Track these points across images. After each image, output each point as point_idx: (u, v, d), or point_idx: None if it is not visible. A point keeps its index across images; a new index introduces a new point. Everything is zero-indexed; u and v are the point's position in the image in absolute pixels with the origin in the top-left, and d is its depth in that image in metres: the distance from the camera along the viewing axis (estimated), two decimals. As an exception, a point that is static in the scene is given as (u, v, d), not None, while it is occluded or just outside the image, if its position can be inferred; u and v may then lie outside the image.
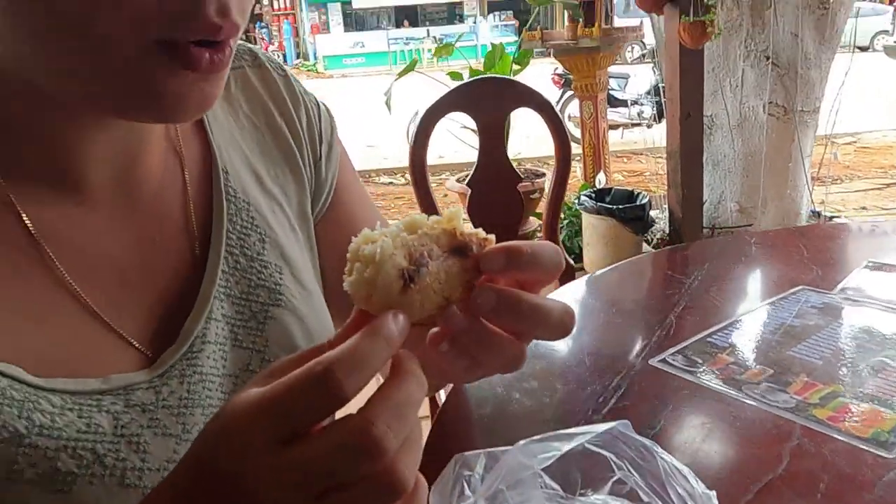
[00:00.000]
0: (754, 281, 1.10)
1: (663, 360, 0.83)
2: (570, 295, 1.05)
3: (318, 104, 0.63)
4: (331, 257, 0.63)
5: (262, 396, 0.32)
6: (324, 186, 0.62)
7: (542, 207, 3.86)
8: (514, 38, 18.96)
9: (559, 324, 0.38)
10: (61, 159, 0.44)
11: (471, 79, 1.71)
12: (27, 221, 0.43)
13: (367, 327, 0.33)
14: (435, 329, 0.38)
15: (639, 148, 6.11)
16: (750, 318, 0.93)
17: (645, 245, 3.33)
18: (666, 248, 3.18)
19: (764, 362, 0.82)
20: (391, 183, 5.98)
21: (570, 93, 6.26)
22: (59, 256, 0.44)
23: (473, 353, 0.38)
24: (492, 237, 0.38)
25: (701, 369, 0.80)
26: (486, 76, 1.68)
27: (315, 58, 20.13)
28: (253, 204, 0.55)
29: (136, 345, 0.47)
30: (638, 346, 0.87)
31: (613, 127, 5.72)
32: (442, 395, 1.19)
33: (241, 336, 0.52)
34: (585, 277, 1.11)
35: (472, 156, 4.01)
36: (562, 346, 0.87)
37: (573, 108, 6.38)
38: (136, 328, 0.47)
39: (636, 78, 6.94)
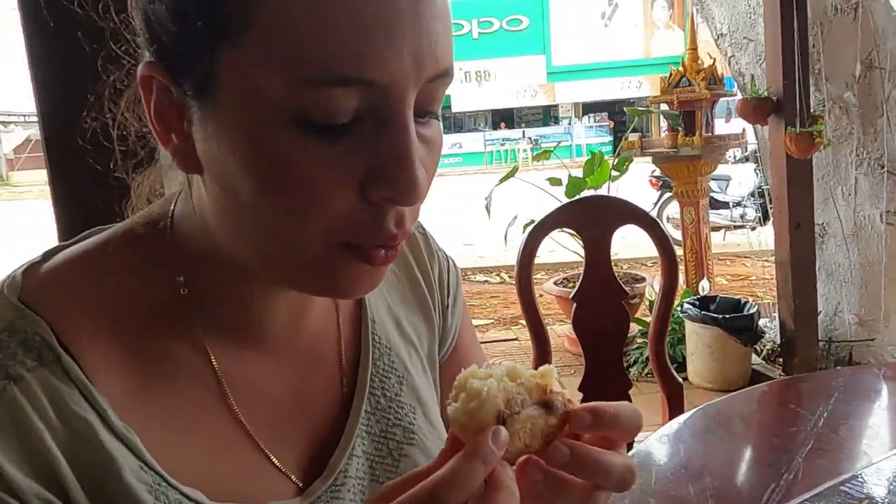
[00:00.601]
0: (887, 421, 1.04)
1: (793, 509, 0.79)
2: (686, 426, 1.03)
3: (448, 259, 0.70)
4: (447, 397, 0.67)
5: None
6: (449, 332, 0.68)
7: (640, 312, 3.80)
8: (608, 139, 19.20)
9: (619, 481, 0.42)
10: (248, 315, 0.51)
11: (577, 197, 1.76)
12: (215, 365, 0.50)
13: (465, 450, 0.38)
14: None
15: (742, 251, 5.93)
16: (887, 466, 0.88)
17: (754, 356, 3.18)
18: (780, 367, 3.02)
19: (907, 519, 0.77)
20: (486, 281, 6.06)
21: (668, 194, 6.23)
22: (235, 394, 0.50)
23: (545, 495, 0.42)
24: (576, 399, 0.43)
25: (836, 522, 0.77)
26: (592, 195, 1.73)
27: (414, 158, 21.02)
28: (393, 349, 0.61)
29: (290, 475, 0.52)
30: (765, 491, 0.83)
31: (715, 229, 5.60)
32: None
33: (379, 472, 0.56)
34: (700, 409, 1.09)
35: (565, 255, 4.01)
36: (684, 487, 0.85)
37: (672, 209, 6.33)
38: (290, 459, 0.52)
39: (738, 179, 6.82)
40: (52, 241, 0.51)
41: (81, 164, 0.58)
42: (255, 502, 0.49)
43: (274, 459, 0.51)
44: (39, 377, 0.43)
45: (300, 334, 0.55)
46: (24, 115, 22.60)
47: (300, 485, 0.52)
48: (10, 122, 22.55)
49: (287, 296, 0.52)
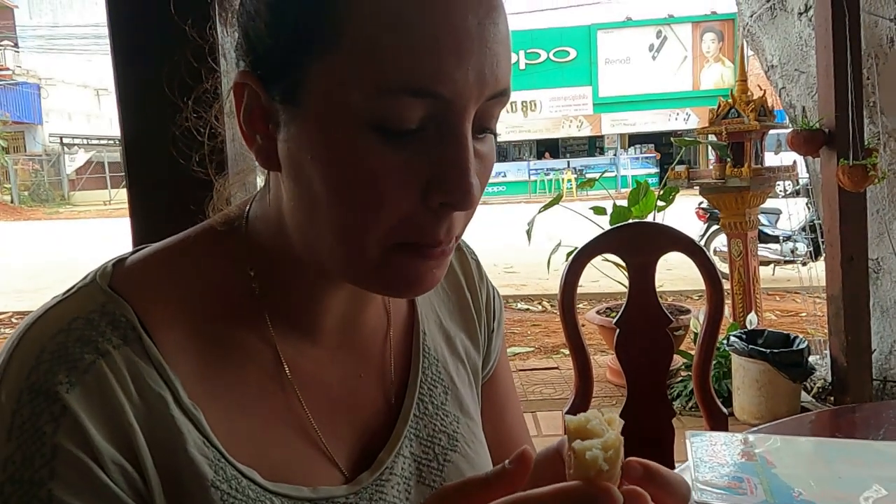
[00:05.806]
0: (942, 455, 1.00)
1: (840, 538, 0.78)
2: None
3: (493, 287, 0.73)
4: (485, 415, 0.70)
5: None
6: (491, 355, 0.71)
7: (685, 345, 3.73)
8: (654, 170, 19.00)
9: None
10: (310, 310, 0.55)
11: (622, 223, 1.77)
12: (281, 356, 0.54)
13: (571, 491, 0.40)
14: None
15: (793, 286, 5.77)
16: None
17: (804, 394, 3.08)
18: (832, 406, 2.93)
19: (960, 553, 0.75)
20: (528, 310, 6.03)
21: (715, 226, 6.13)
22: (296, 383, 0.54)
23: None
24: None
25: (884, 553, 0.75)
26: (637, 221, 1.73)
27: (459, 187, 21.17)
28: (441, 361, 0.64)
29: (339, 464, 0.55)
30: (809, 518, 0.82)
31: (764, 263, 5.48)
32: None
33: (425, 474, 0.59)
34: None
35: (608, 286, 3.95)
36: (725, 510, 0.84)
37: (719, 241, 6.22)
38: (340, 450, 0.56)
39: (788, 213, 6.67)
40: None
41: (161, 184, 0.63)
42: (305, 485, 0.52)
43: (325, 447, 0.54)
44: (123, 354, 0.47)
45: (354, 333, 0.59)
46: (86, 138, 23.68)
47: (347, 475, 0.55)
48: (73, 145, 23.62)
49: (345, 293, 0.56)
